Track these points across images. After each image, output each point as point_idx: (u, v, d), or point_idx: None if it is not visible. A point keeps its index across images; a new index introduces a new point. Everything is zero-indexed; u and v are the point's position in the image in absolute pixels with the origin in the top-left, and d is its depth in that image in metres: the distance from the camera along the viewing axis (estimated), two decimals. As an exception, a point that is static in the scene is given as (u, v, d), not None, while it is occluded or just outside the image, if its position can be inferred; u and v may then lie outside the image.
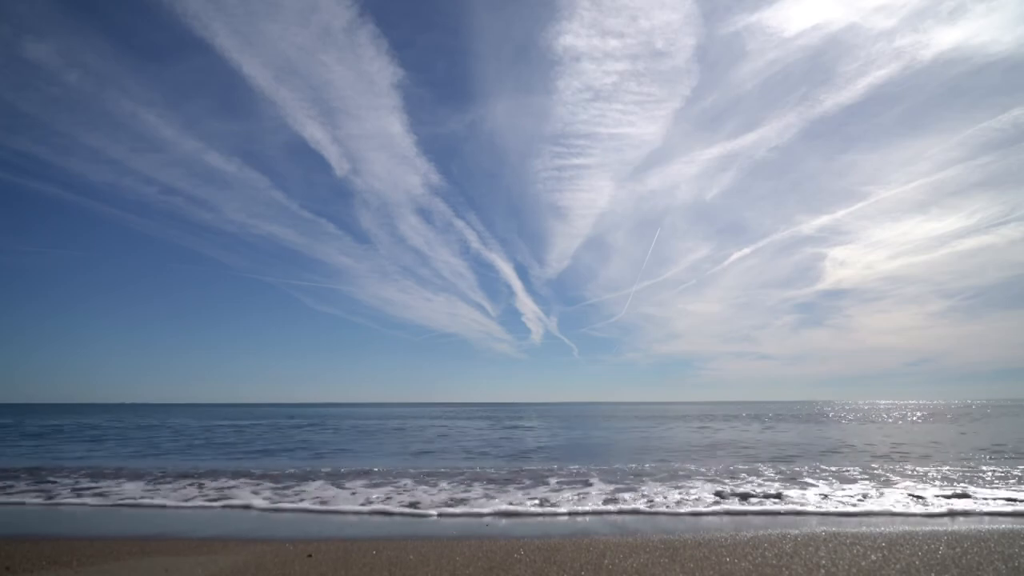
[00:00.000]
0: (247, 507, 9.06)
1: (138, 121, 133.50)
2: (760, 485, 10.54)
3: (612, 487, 10.40)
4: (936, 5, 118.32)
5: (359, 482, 11.18)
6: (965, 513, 8.17)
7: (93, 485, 10.99)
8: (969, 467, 12.84)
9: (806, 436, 24.05)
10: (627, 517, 8.12)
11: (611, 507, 8.71)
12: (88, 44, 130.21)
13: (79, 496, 9.94)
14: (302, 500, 9.49)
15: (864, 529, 7.13)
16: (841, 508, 8.48)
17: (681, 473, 12.12)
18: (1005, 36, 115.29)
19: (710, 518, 8.06)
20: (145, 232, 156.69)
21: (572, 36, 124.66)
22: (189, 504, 9.27)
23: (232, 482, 11.22)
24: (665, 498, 9.34)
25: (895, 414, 51.47)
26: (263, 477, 11.84)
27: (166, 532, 7.35)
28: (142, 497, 9.77)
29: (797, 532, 6.94)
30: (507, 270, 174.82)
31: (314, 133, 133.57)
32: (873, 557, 5.65)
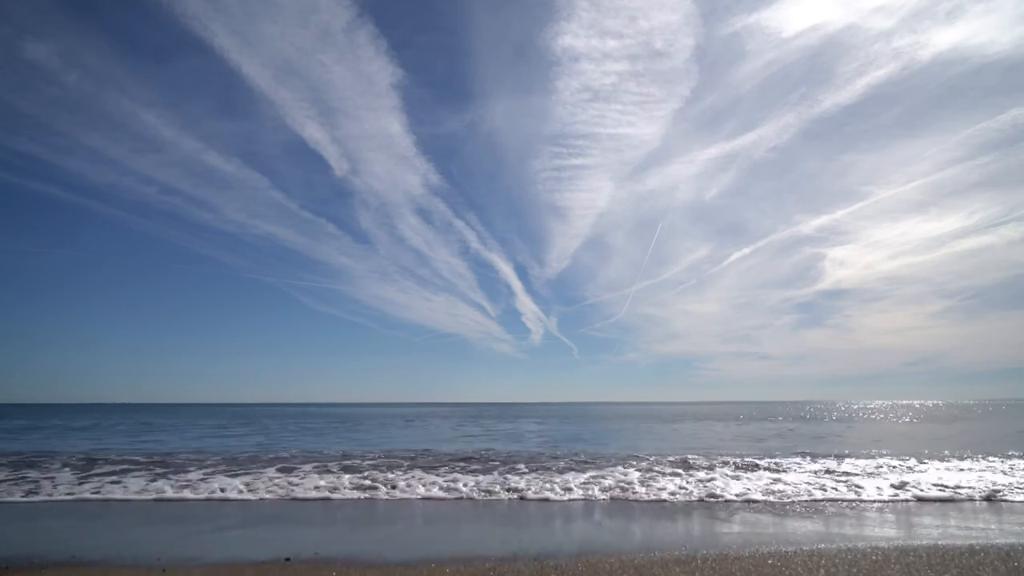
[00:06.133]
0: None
1: (138, 121, 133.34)
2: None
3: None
4: (934, 6, 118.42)
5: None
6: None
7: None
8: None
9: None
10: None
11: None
12: (88, 44, 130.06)
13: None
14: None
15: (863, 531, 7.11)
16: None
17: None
18: (1003, 37, 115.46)
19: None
20: (145, 232, 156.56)
21: (571, 36, 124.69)
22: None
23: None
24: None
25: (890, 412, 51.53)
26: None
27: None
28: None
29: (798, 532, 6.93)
30: (507, 270, 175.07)
31: (313, 133, 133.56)
32: (873, 557, 5.62)
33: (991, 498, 9.12)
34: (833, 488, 9.92)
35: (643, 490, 9.85)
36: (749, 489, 9.84)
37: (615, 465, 12.91)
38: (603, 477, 11.10)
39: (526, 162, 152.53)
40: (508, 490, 9.89)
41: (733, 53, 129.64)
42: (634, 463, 13.54)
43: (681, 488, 9.94)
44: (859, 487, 9.96)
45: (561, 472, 12.03)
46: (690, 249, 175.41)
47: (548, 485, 10.24)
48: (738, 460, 14.06)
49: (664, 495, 9.46)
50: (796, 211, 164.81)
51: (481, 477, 11.32)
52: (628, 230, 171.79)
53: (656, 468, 12.47)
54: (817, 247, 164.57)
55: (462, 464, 13.62)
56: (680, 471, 11.98)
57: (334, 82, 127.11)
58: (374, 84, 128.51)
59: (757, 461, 13.98)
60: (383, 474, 11.84)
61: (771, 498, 9.25)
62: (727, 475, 11.42)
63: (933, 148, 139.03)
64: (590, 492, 9.71)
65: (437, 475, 11.69)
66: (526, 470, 12.45)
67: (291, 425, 36.15)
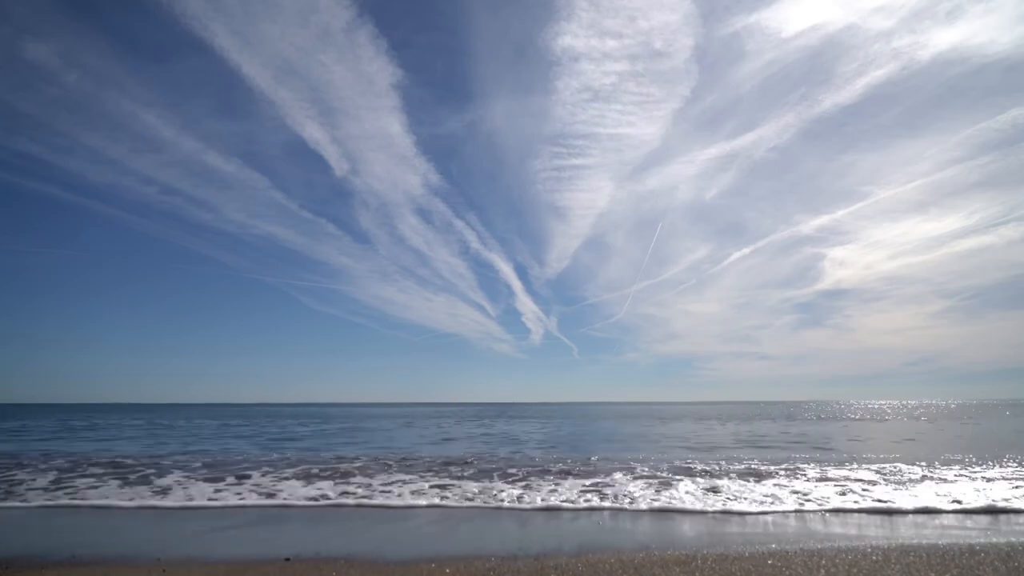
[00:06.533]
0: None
1: (138, 121, 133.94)
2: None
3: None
4: (934, 6, 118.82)
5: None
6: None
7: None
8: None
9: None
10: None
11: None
12: (88, 44, 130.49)
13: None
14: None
15: (864, 530, 7.11)
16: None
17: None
18: (1003, 37, 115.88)
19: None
20: (145, 232, 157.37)
21: (571, 37, 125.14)
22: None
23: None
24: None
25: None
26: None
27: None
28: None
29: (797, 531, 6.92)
30: (507, 270, 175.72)
31: (313, 133, 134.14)
32: (874, 557, 5.61)
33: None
34: (854, 496, 9.24)
35: (646, 497, 9.42)
36: (757, 499, 9.08)
37: (612, 473, 12.11)
38: (604, 486, 10.41)
39: (526, 162, 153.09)
40: (501, 498, 9.41)
41: (733, 53, 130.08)
42: (635, 468, 13.23)
43: (687, 494, 9.47)
44: (881, 499, 9.05)
45: (559, 477, 11.50)
46: (690, 249, 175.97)
47: (542, 493, 9.82)
48: (742, 467, 13.58)
49: (668, 505, 8.73)
50: (796, 211, 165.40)
51: (474, 484, 10.83)
52: (628, 230, 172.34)
53: (658, 475, 11.88)
54: (817, 247, 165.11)
55: (457, 469, 13.24)
56: (683, 478, 11.36)
57: (334, 82, 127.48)
58: (374, 84, 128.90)
59: (764, 467, 13.61)
60: (370, 479, 11.46)
61: (782, 506, 8.67)
62: (732, 484, 10.61)
63: (933, 148, 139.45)
64: (589, 502, 9.02)
65: (427, 481, 11.30)
66: (520, 476, 11.89)
67: (288, 426, 36.14)
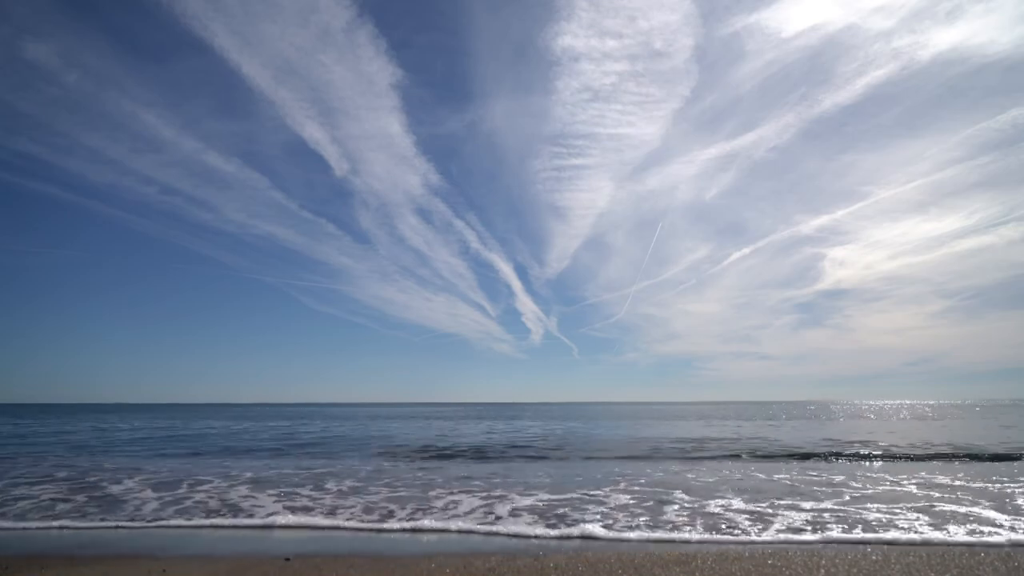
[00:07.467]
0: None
1: (138, 121, 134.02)
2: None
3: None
4: (934, 6, 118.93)
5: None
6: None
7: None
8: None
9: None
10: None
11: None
12: (88, 44, 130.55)
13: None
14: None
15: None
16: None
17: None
18: (1003, 37, 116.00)
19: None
20: (145, 232, 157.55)
21: (571, 37, 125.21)
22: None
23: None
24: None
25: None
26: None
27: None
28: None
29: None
30: (507, 270, 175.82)
31: (313, 133, 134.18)
32: (874, 557, 5.61)
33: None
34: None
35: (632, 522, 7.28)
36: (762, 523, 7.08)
37: (602, 486, 10.06)
38: (584, 502, 8.76)
39: (526, 162, 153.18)
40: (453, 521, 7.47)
41: (733, 53, 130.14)
42: (630, 483, 12.70)
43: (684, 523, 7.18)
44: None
45: (532, 489, 9.79)
46: (690, 249, 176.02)
47: (515, 503, 8.58)
48: (746, 492, 10.55)
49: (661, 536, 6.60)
50: (796, 211, 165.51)
51: (447, 496, 9.29)
52: (628, 230, 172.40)
53: (650, 492, 10.31)
54: (817, 247, 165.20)
55: (426, 476, 11.77)
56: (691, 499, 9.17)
57: (334, 82, 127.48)
58: (374, 84, 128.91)
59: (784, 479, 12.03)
60: (323, 493, 9.68)
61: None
62: (740, 508, 8.23)
63: (933, 148, 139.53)
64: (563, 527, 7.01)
65: (380, 493, 9.96)
66: (481, 487, 10.17)
67: (281, 427, 36.10)
